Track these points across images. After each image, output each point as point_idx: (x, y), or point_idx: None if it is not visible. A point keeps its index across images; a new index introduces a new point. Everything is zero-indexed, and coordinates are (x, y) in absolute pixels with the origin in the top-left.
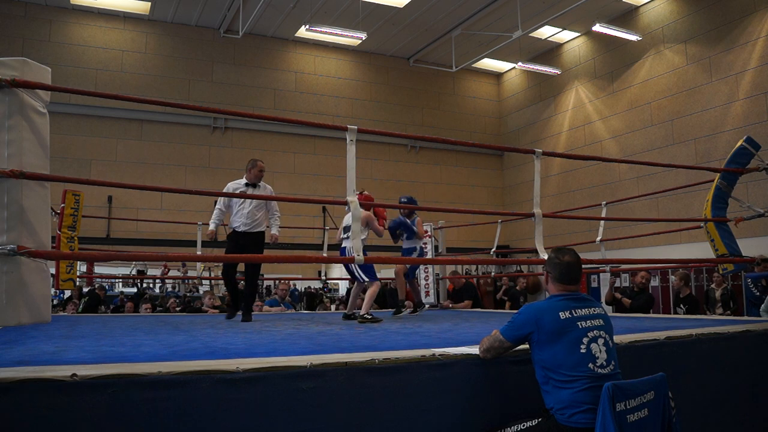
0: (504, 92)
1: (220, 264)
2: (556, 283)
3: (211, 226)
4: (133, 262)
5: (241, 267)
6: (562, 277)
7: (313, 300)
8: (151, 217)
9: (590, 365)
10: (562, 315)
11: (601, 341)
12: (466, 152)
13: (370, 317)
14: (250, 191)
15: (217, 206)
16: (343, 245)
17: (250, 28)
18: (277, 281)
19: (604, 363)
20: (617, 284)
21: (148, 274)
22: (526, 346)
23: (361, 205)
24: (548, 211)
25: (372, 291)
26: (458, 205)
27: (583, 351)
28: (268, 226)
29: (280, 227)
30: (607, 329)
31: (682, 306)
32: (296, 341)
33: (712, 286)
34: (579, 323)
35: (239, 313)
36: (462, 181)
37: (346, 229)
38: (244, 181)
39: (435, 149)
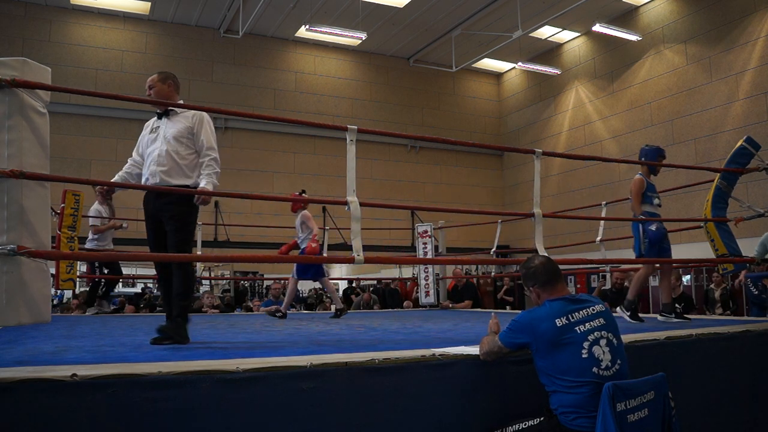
0: (504, 92)
1: (220, 264)
2: (547, 288)
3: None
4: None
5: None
6: (548, 277)
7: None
8: None
9: (594, 369)
10: (558, 322)
11: (603, 342)
12: (466, 152)
13: (281, 314)
14: (162, 125)
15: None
16: None
17: (250, 28)
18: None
19: (609, 364)
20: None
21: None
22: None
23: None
24: (548, 211)
25: (293, 290)
26: (458, 205)
27: (585, 356)
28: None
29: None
30: (610, 327)
31: (677, 305)
32: (296, 341)
33: (712, 286)
34: (577, 328)
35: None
36: (462, 181)
37: None
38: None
39: (435, 149)
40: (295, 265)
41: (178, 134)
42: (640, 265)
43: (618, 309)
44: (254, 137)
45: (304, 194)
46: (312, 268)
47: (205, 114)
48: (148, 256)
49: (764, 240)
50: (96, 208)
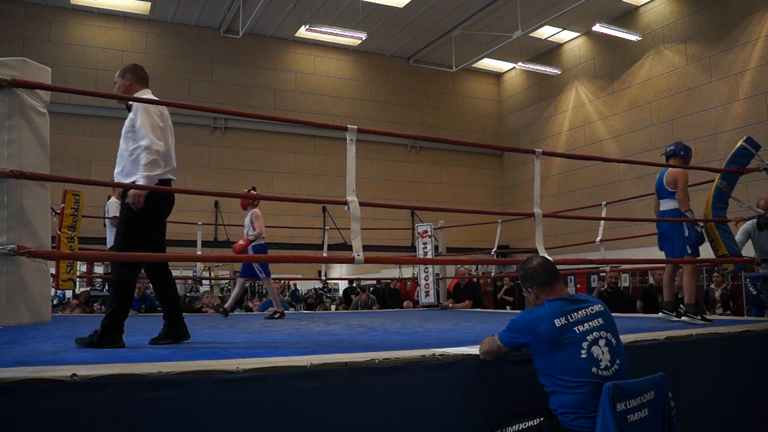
0: (504, 92)
1: (220, 264)
2: (545, 289)
3: None
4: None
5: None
6: (546, 278)
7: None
8: None
9: (594, 369)
10: (557, 322)
11: (602, 342)
12: (466, 152)
13: (279, 314)
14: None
15: None
16: None
17: (250, 28)
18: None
19: (608, 364)
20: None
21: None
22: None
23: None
24: (548, 211)
25: (273, 288)
26: (458, 205)
27: (584, 356)
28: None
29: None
30: (608, 327)
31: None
32: (296, 341)
33: (712, 286)
34: (576, 328)
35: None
36: (462, 181)
37: None
38: None
39: (435, 149)
40: (256, 265)
41: (125, 130)
42: (639, 265)
43: (684, 318)
44: (254, 137)
45: (254, 191)
46: (253, 267)
47: (147, 103)
48: (145, 257)
49: (747, 227)
50: (116, 202)
